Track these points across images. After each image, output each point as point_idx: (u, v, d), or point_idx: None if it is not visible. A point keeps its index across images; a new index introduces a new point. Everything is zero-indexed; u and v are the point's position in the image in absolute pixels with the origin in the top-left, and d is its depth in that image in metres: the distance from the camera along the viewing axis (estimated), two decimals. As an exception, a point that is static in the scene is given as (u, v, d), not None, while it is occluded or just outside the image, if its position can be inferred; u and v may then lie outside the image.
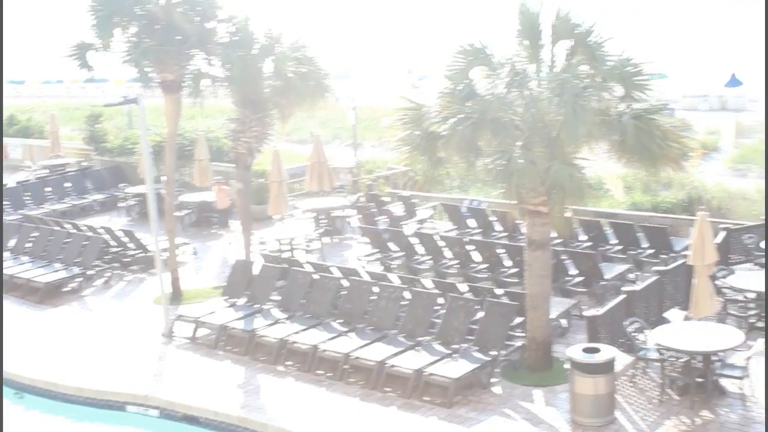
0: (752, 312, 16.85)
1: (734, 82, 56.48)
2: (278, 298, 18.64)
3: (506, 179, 14.48)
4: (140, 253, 23.19)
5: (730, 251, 20.11)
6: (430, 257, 21.26)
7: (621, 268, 19.45)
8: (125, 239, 23.62)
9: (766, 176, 14.73)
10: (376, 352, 15.78)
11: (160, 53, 19.11)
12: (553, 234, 19.28)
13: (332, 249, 24.40)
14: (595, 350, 13.73)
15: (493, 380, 15.33)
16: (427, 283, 18.04)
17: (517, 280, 18.63)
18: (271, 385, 15.92)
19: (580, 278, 18.83)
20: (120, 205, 29.90)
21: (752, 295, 16.97)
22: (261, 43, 19.81)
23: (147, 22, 19.39)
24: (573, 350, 13.91)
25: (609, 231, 21.68)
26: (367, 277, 18.55)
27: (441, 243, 21.33)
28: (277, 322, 17.66)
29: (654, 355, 14.65)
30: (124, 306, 20.64)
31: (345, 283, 18.21)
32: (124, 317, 19.81)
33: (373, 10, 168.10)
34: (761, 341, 14.75)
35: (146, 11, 19.26)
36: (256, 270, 19.55)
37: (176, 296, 20.49)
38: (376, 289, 17.63)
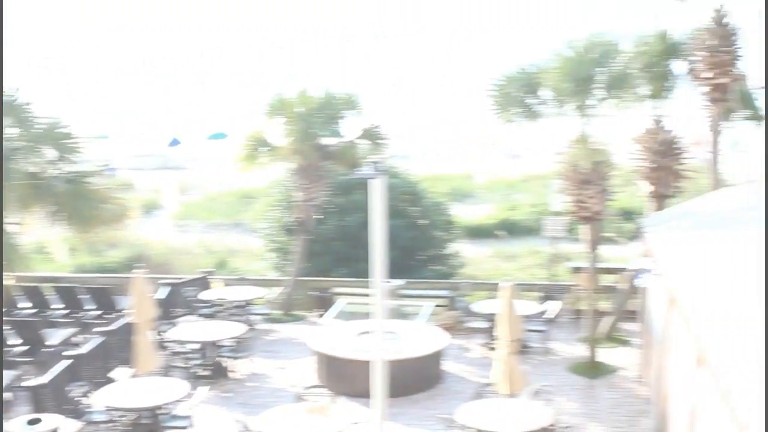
0: (195, 362, 17.63)
1: (175, 142, 59.95)
2: None
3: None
4: None
5: (175, 305, 20.84)
6: None
7: (66, 332, 19.09)
8: None
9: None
10: None
11: None
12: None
13: None
14: (38, 421, 13.30)
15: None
16: None
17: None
18: None
19: (24, 347, 18.15)
20: None
21: (195, 346, 17.74)
22: None
23: None
24: (15, 423, 13.32)
25: (53, 295, 21.22)
26: None
27: None
28: None
29: (102, 416, 14.59)
30: None
31: None
32: None
33: None
34: (203, 389, 15.44)
35: None
36: None
37: None
38: None
